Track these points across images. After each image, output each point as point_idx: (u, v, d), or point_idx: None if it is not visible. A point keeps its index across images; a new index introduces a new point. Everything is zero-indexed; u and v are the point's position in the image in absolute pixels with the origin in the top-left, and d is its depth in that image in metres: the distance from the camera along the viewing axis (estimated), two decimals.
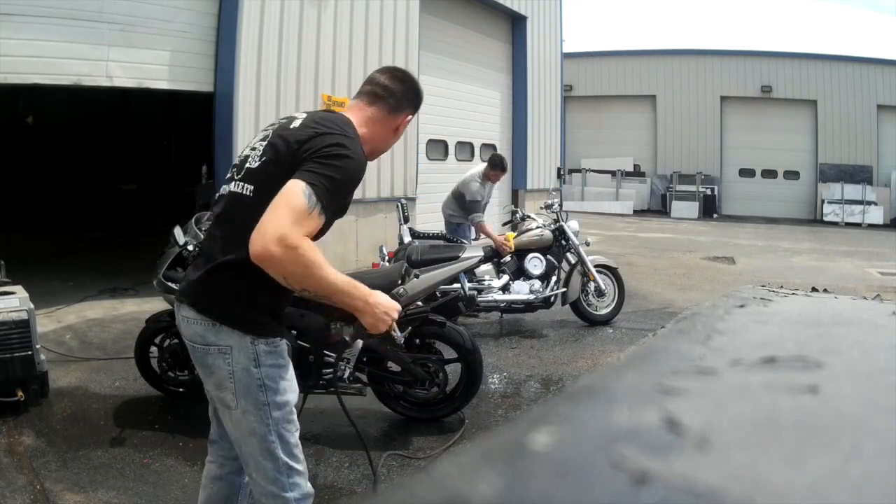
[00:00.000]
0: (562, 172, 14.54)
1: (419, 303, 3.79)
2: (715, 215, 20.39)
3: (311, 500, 1.99)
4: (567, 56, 15.85)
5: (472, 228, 6.74)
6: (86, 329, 5.49)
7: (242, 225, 1.77)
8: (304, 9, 7.71)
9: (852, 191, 19.73)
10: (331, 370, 3.66)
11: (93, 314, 5.91)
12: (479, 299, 5.52)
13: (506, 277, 5.99)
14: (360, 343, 3.52)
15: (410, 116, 2.07)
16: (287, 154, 1.80)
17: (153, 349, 3.92)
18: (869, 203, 19.50)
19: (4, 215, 10.02)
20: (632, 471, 0.38)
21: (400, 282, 3.59)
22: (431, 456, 3.46)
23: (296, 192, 1.68)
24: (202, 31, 6.79)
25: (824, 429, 0.45)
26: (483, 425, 3.86)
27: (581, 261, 6.07)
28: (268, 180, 1.79)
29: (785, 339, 0.72)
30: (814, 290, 1.14)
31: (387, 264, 5.26)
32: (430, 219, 9.58)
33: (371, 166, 8.82)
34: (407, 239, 5.61)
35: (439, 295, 4.23)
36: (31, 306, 3.89)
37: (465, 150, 11.52)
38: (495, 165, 6.57)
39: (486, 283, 5.89)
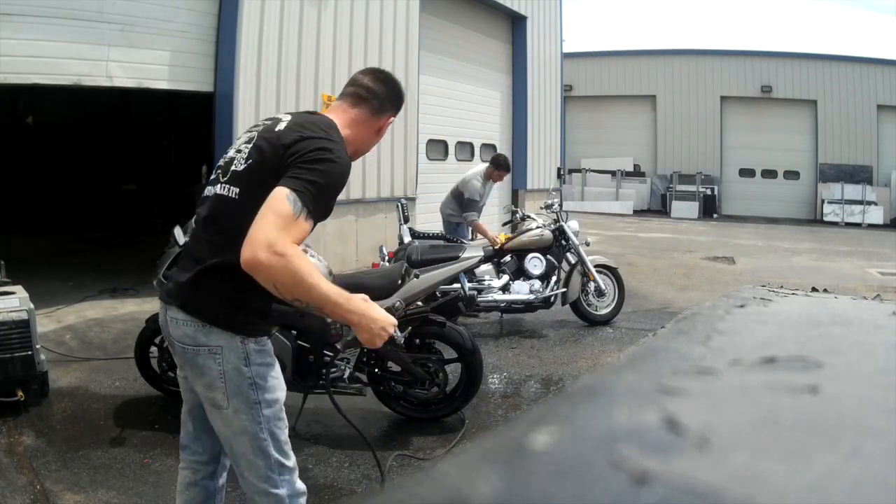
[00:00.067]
0: (562, 172, 14.54)
1: (419, 303, 3.79)
2: (715, 215, 20.39)
3: (303, 498, 2.00)
4: (567, 56, 15.85)
5: (470, 228, 6.77)
6: (86, 329, 5.49)
7: (229, 228, 1.79)
8: (304, 9, 7.71)
9: (852, 191, 19.73)
10: (331, 370, 3.66)
11: (93, 314, 5.91)
12: (479, 299, 5.52)
13: (506, 277, 5.99)
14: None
15: (393, 117, 2.10)
16: (273, 158, 1.81)
17: (153, 349, 3.92)
18: (869, 203, 19.50)
19: (4, 215, 10.02)
20: (632, 471, 0.38)
21: (400, 282, 3.60)
22: (437, 456, 3.46)
23: (281, 199, 1.68)
24: (202, 31, 6.79)
25: (824, 429, 0.45)
26: (483, 425, 3.86)
27: (581, 261, 6.07)
28: (253, 183, 1.81)
29: (785, 339, 0.72)
30: (814, 290, 1.14)
31: (387, 264, 5.26)
32: (430, 219, 9.58)
33: (371, 166, 8.85)
34: (407, 239, 5.61)
35: (439, 295, 4.23)
36: (31, 306, 3.89)
37: (465, 150, 11.52)
38: (499, 165, 6.62)
39: (486, 283, 5.90)
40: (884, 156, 20.49)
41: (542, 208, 6.59)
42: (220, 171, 1.94)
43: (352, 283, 3.67)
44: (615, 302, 6.30)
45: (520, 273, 6.07)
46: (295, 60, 7.62)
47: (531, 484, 0.38)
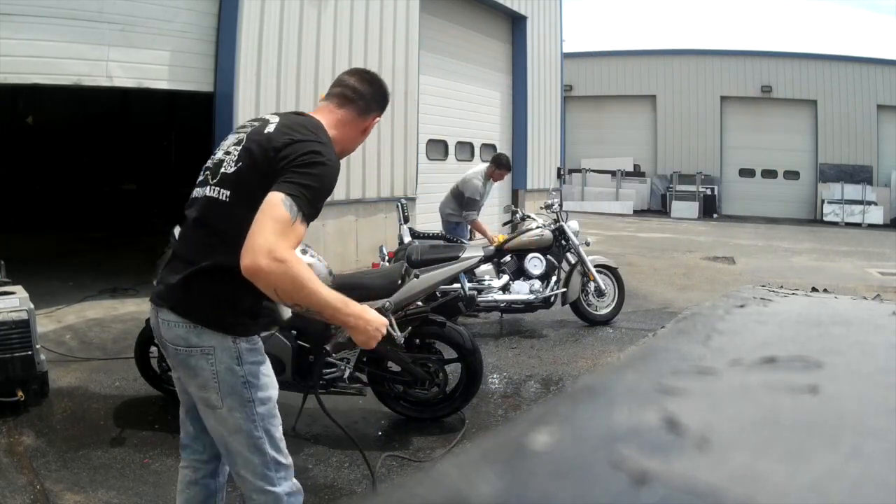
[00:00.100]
0: (562, 172, 14.54)
1: (419, 303, 3.79)
2: (715, 215, 20.39)
3: (300, 497, 2.02)
4: (567, 56, 15.85)
5: (469, 227, 6.78)
6: (86, 329, 5.49)
7: (220, 230, 1.81)
8: (304, 9, 7.71)
9: (852, 191, 19.73)
10: (331, 370, 3.66)
11: (93, 314, 5.91)
12: (479, 299, 5.52)
13: (506, 277, 5.99)
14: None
15: (378, 117, 2.11)
16: (263, 161, 1.83)
17: (153, 349, 3.91)
18: (869, 203, 19.50)
19: (4, 215, 10.02)
20: (632, 471, 0.38)
21: (400, 282, 3.60)
22: (432, 457, 3.46)
23: (278, 204, 1.70)
24: (202, 31, 6.79)
25: (824, 429, 0.45)
26: (483, 425, 3.86)
27: (581, 261, 6.07)
28: (244, 186, 1.83)
29: (785, 339, 0.72)
30: (814, 290, 1.14)
31: (387, 264, 5.26)
32: (430, 219, 9.58)
33: (371, 166, 8.85)
34: (407, 239, 5.61)
35: (439, 295, 4.23)
36: (31, 306, 3.89)
37: (465, 150, 11.52)
38: (501, 164, 6.65)
39: (486, 283, 5.90)
40: (884, 156, 20.49)
41: (542, 208, 6.59)
42: (208, 172, 1.94)
43: (352, 283, 3.68)
44: (615, 302, 6.30)
45: (520, 273, 6.07)
46: (295, 60, 7.62)
47: (531, 484, 0.38)
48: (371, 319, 1.89)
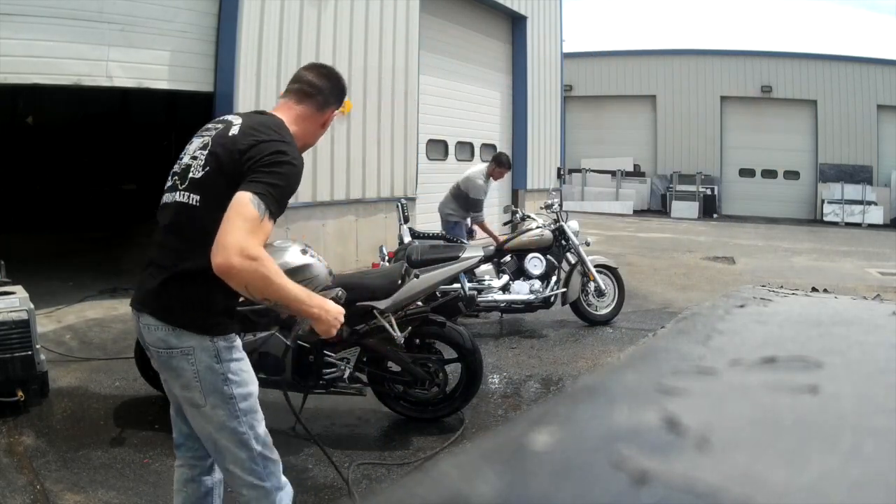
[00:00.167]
0: (562, 172, 14.54)
1: (419, 303, 3.79)
2: (715, 215, 20.39)
3: (290, 492, 2.06)
4: (567, 56, 15.84)
5: (468, 226, 6.79)
6: (86, 329, 5.49)
7: (192, 235, 1.85)
8: (304, 9, 7.71)
9: (852, 191, 19.72)
10: (331, 370, 3.66)
11: (93, 314, 5.91)
12: (479, 299, 5.52)
13: (506, 277, 6.00)
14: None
15: (336, 111, 2.17)
16: (230, 164, 1.87)
17: None
18: (869, 203, 19.50)
19: (4, 215, 10.02)
20: (632, 471, 0.38)
21: (400, 282, 3.60)
22: (406, 462, 3.43)
23: (246, 203, 1.76)
24: (202, 31, 6.79)
25: (824, 429, 0.45)
26: (483, 425, 3.86)
27: (581, 261, 6.07)
28: (212, 189, 1.87)
29: (785, 339, 0.72)
30: (814, 290, 1.14)
31: (387, 264, 5.26)
32: (430, 219, 9.58)
33: (371, 166, 8.82)
34: (407, 239, 5.61)
35: (439, 295, 4.23)
36: (31, 306, 3.89)
37: (465, 150, 11.52)
38: (501, 163, 6.70)
39: (486, 283, 5.90)
40: (884, 156, 20.49)
41: (542, 208, 6.60)
42: (177, 178, 1.98)
43: (352, 283, 3.68)
44: (615, 302, 6.30)
45: (520, 273, 6.07)
46: (295, 60, 7.61)
47: (531, 484, 0.38)
48: (330, 310, 1.95)
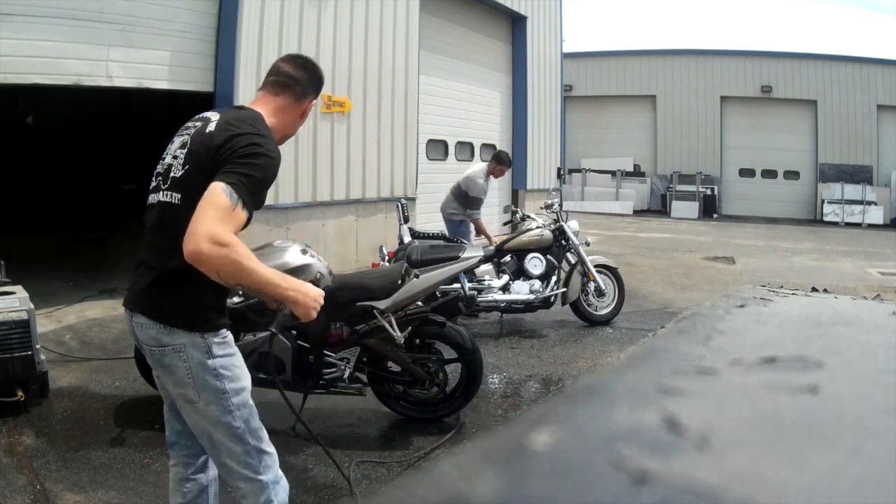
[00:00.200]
0: (562, 172, 14.54)
1: (419, 303, 3.79)
2: (715, 215, 20.39)
3: (286, 486, 2.07)
4: (567, 56, 15.85)
5: (473, 228, 6.81)
6: (86, 329, 5.49)
7: (176, 234, 1.85)
8: (304, 9, 7.71)
9: (852, 191, 19.72)
10: (331, 370, 3.66)
11: (93, 314, 5.91)
12: (479, 299, 5.52)
13: (506, 277, 6.00)
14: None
15: (314, 100, 2.19)
16: (207, 160, 1.88)
17: None
18: (869, 203, 19.49)
19: (4, 215, 10.02)
20: (632, 471, 0.38)
21: (400, 282, 3.60)
22: (406, 460, 3.44)
23: (218, 193, 1.77)
24: (202, 31, 6.79)
25: (824, 429, 0.45)
26: (483, 425, 3.86)
27: (581, 261, 6.07)
28: (192, 187, 1.88)
29: (785, 339, 0.72)
30: (814, 290, 1.14)
31: (387, 264, 5.26)
32: (430, 219, 9.58)
33: (371, 166, 8.81)
34: (407, 239, 5.61)
35: (439, 295, 4.23)
36: (31, 306, 3.89)
37: (465, 150, 11.52)
38: (502, 161, 6.75)
39: (486, 283, 5.90)
40: (884, 156, 20.49)
41: (542, 208, 6.60)
42: (160, 178, 2.00)
43: (352, 283, 3.68)
44: (615, 302, 6.30)
45: (520, 273, 6.07)
46: None
47: (531, 484, 0.38)
48: (308, 292, 1.95)
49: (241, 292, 3.40)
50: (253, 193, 1.83)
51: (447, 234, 6.26)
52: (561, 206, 6.43)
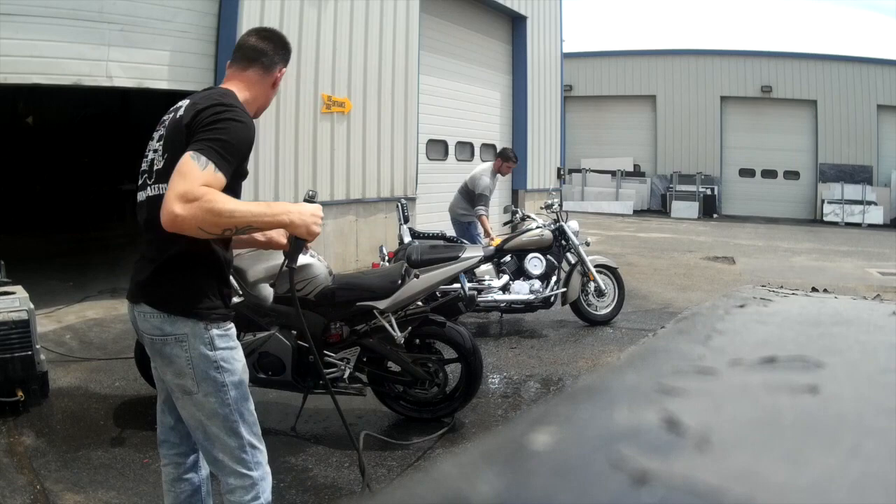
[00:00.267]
0: (562, 173, 14.55)
1: (419, 303, 3.79)
2: (715, 215, 20.39)
3: (269, 481, 2.08)
4: (567, 56, 15.85)
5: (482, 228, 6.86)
6: (86, 329, 5.49)
7: None
8: (304, 9, 7.71)
9: (852, 191, 19.73)
10: (331, 370, 3.66)
11: (93, 314, 5.91)
12: (479, 299, 5.52)
13: (506, 277, 6.00)
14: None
15: (284, 69, 2.17)
16: (181, 142, 1.88)
17: None
18: (869, 203, 19.50)
19: (4, 215, 10.02)
20: (632, 471, 0.38)
21: (400, 282, 3.60)
22: (411, 441, 3.45)
23: (185, 161, 1.77)
24: (202, 31, 6.79)
25: (824, 429, 0.45)
26: (483, 425, 3.86)
27: (581, 261, 6.07)
28: None
29: (785, 339, 0.72)
30: (814, 290, 1.14)
31: (387, 264, 5.26)
32: (430, 219, 9.59)
33: (371, 166, 8.81)
34: (407, 239, 5.62)
35: (439, 295, 4.22)
36: (31, 306, 3.89)
37: (465, 150, 11.52)
38: (507, 157, 6.85)
39: (486, 283, 5.90)
40: (884, 156, 20.49)
41: (542, 208, 6.61)
42: (146, 174, 2.00)
43: (352, 283, 3.68)
44: (615, 302, 6.30)
45: (520, 273, 6.07)
46: (295, 60, 7.61)
47: (531, 484, 0.38)
48: (303, 209, 1.95)
49: (240, 292, 3.40)
50: (224, 156, 1.80)
51: (447, 234, 6.26)
52: (561, 206, 6.44)
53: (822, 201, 20.25)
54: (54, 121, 12.14)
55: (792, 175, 21.53)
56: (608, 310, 6.26)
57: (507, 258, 6.13)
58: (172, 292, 1.94)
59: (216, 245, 1.98)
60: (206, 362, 1.94)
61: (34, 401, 3.82)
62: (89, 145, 12.95)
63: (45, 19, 5.61)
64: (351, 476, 3.23)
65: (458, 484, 0.38)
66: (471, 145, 11.64)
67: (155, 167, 1.96)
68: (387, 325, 3.58)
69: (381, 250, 5.84)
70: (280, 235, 2.30)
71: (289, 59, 2.20)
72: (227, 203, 1.75)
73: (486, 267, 5.95)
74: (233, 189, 1.88)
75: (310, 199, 2.05)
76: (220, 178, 1.78)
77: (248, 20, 7.00)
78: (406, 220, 5.87)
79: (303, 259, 3.48)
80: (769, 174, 21.79)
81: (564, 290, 6.00)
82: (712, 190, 20.79)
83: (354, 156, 8.54)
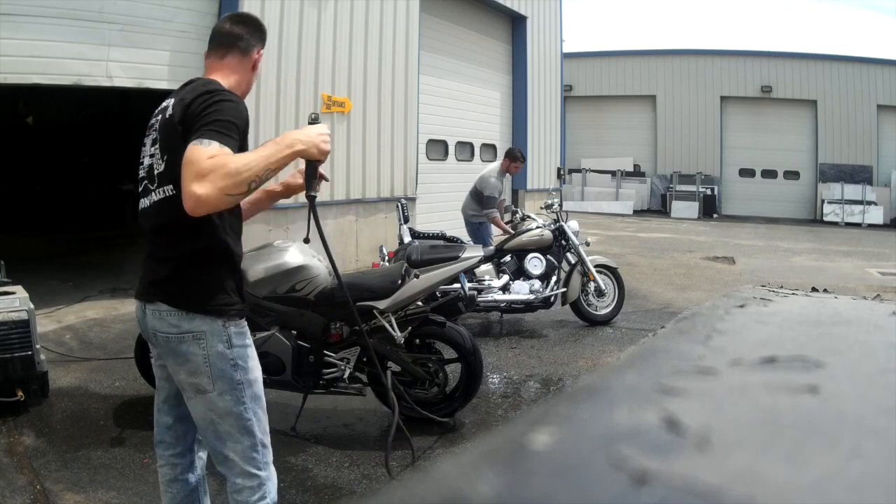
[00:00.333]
0: (562, 173, 14.55)
1: (419, 303, 3.79)
2: (715, 215, 20.39)
3: (274, 481, 2.08)
4: (567, 56, 15.85)
5: (493, 228, 6.89)
6: (86, 329, 5.49)
7: (182, 221, 1.86)
8: (304, 9, 7.71)
9: (852, 191, 19.72)
10: (331, 370, 3.66)
11: (93, 314, 5.91)
12: (479, 299, 5.53)
13: (506, 277, 6.00)
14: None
15: (262, 50, 2.16)
16: (178, 138, 1.87)
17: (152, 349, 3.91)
18: (869, 203, 19.50)
19: (4, 215, 10.02)
20: (632, 471, 0.38)
21: (400, 282, 3.60)
22: (409, 464, 3.45)
23: (188, 151, 1.75)
24: (202, 31, 6.78)
25: (824, 429, 0.45)
26: (483, 425, 3.86)
27: (581, 261, 6.07)
28: (178, 173, 1.85)
29: (785, 339, 0.72)
30: (814, 290, 1.14)
31: (387, 264, 5.26)
32: (430, 219, 9.59)
33: (371, 166, 8.82)
34: (407, 239, 5.62)
35: (439, 295, 4.22)
36: (31, 306, 3.89)
37: (465, 150, 11.52)
38: (515, 158, 6.85)
39: (486, 283, 5.90)
40: (884, 156, 20.49)
41: (542, 208, 6.61)
42: (146, 181, 1.99)
43: (352, 284, 3.68)
44: (615, 302, 6.30)
45: (520, 273, 6.07)
46: (295, 60, 7.62)
47: (531, 484, 0.38)
48: (307, 132, 1.93)
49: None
50: (224, 133, 1.79)
51: (447, 234, 6.27)
52: (561, 206, 6.45)
53: (822, 201, 20.24)
54: (54, 121, 12.14)
55: (792, 175, 21.53)
56: (608, 310, 6.26)
57: (507, 258, 6.13)
58: (191, 289, 1.94)
59: (230, 240, 1.98)
60: (222, 360, 1.94)
61: (34, 401, 3.82)
62: (89, 145, 12.95)
63: (45, 19, 5.61)
64: (351, 476, 3.23)
65: (458, 484, 0.38)
66: (471, 145, 11.63)
67: (155, 171, 1.95)
68: (387, 325, 3.58)
69: (381, 250, 5.85)
70: (292, 178, 2.31)
71: (265, 41, 2.18)
72: (239, 159, 1.75)
73: (486, 267, 5.95)
74: None
75: (313, 122, 2.04)
76: (227, 150, 1.78)
77: None
78: (406, 220, 5.87)
79: (303, 259, 3.48)
80: (769, 174, 21.79)
81: (564, 290, 6.00)
82: (712, 190, 20.79)
83: (354, 156, 8.54)
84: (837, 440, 0.43)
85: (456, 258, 3.94)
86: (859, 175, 20.14)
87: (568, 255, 6.21)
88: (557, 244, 6.16)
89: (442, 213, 9.86)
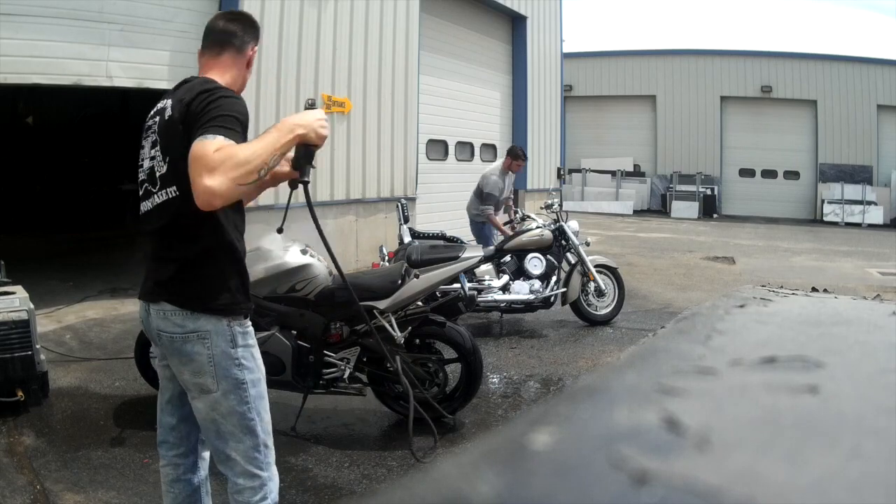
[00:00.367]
0: (562, 173, 14.55)
1: (419, 303, 3.79)
2: (715, 215, 20.39)
3: (276, 482, 2.07)
4: (567, 56, 15.85)
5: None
6: (86, 329, 5.49)
7: (188, 221, 1.87)
8: (304, 9, 7.71)
9: (852, 191, 19.72)
10: (331, 370, 3.66)
11: (93, 314, 5.91)
12: (479, 299, 5.53)
13: (506, 277, 6.00)
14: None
15: (256, 47, 2.17)
16: (180, 138, 1.87)
17: (153, 349, 3.91)
18: (869, 203, 19.49)
19: (4, 215, 10.02)
20: (632, 471, 0.38)
21: (400, 282, 3.60)
22: (409, 464, 3.45)
23: (196, 147, 1.75)
24: (202, 31, 6.78)
25: (824, 429, 0.45)
26: (483, 425, 3.86)
27: (581, 261, 6.07)
28: (182, 173, 1.86)
29: (785, 339, 0.72)
30: (814, 290, 1.14)
31: (387, 264, 5.26)
32: (430, 219, 9.59)
33: (371, 166, 8.82)
34: (407, 239, 5.62)
35: (439, 295, 4.22)
36: (31, 306, 3.89)
37: (465, 150, 11.52)
38: (517, 156, 6.84)
39: (486, 283, 5.90)
40: (884, 156, 20.49)
41: (542, 208, 6.61)
42: (147, 183, 1.99)
43: (352, 283, 3.67)
44: (615, 302, 6.30)
45: (520, 273, 6.07)
46: (295, 60, 7.62)
47: (531, 484, 0.38)
48: (304, 116, 1.94)
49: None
50: (228, 127, 1.80)
51: (447, 234, 6.27)
52: (561, 206, 6.45)
53: (822, 201, 20.25)
54: (54, 121, 12.14)
55: (792, 175, 21.53)
56: (608, 310, 6.26)
57: (507, 258, 6.13)
58: (195, 289, 1.94)
59: (235, 238, 1.98)
60: (227, 360, 1.94)
61: (34, 401, 3.82)
62: (89, 145, 12.95)
63: (45, 19, 5.61)
64: (351, 476, 3.23)
65: (458, 484, 0.38)
66: (471, 145, 11.63)
67: (157, 173, 1.94)
68: (387, 325, 3.58)
69: (381, 250, 5.85)
70: (280, 165, 2.30)
71: (259, 37, 2.19)
72: (246, 148, 1.77)
73: (486, 267, 5.95)
74: None
75: (310, 107, 2.04)
76: (233, 143, 1.79)
77: None
78: (406, 220, 5.88)
79: (303, 259, 3.48)
80: (769, 174, 21.79)
81: (564, 290, 6.00)
82: (712, 190, 20.79)
83: (354, 156, 8.54)
84: (837, 440, 0.43)
85: (456, 258, 3.94)
86: (859, 175, 20.13)
87: (568, 255, 6.21)
88: (557, 244, 6.16)
89: (442, 213, 9.86)
